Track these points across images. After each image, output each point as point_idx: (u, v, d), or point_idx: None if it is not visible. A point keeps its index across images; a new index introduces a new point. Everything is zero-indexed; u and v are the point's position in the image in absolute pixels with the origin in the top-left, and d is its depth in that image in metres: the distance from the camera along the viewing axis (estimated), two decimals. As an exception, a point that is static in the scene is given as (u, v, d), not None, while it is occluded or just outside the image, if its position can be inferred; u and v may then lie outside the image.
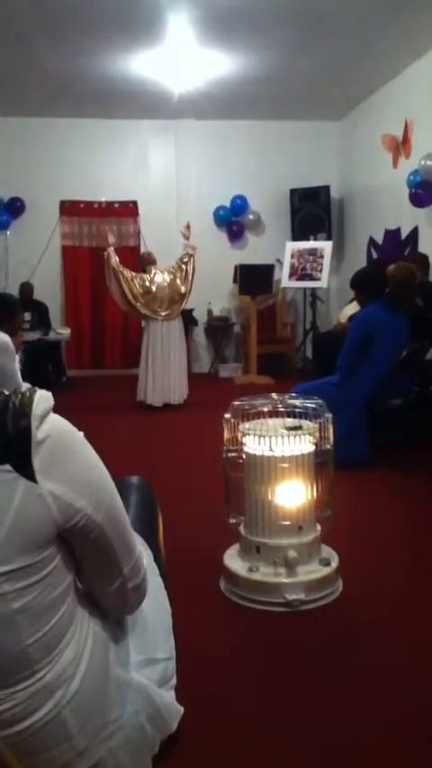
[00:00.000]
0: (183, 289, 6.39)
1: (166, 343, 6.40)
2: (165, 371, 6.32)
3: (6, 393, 1.13)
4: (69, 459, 1.16)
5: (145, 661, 1.45)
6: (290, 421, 2.55)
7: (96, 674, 1.27)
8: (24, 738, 1.16)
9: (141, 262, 6.86)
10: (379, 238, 7.53)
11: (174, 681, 1.55)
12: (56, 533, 1.15)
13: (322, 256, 7.97)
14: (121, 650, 1.41)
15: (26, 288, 7.87)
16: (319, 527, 2.57)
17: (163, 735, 1.46)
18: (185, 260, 6.41)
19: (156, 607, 1.57)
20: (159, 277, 6.37)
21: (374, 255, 7.67)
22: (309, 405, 2.58)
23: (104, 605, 1.35)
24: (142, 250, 8.67)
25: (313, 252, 8.06)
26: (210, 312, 8.84)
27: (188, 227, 6.49)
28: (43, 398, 1.14)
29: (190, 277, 6.41)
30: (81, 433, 1.22)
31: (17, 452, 1.09)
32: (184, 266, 6.40)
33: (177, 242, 6.74)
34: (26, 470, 1.09)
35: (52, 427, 1.14)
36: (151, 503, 1.91)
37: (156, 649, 1.50)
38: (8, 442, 1.08)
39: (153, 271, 6.40)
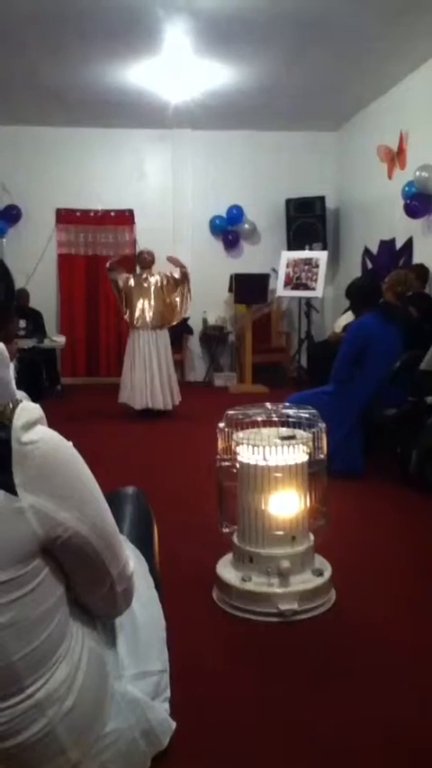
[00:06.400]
0: (178, 303, 6.40)
1: (151, 350, 6.37)
2: (148, 377, 6.29)
3: None
4: (55, 472, 1.13)
5: (139, 674, 1.44)
6: (284, 430, 2.55)
7: (91, 690, 1.26)
8: (16, 754, 1.15)
9: (138, 261, 6.64)
10: (374, 249, 7.56)
11: (167, 693, 1.54)
12: (39, 547, 1.13)
13: (317, 266, 7.99)
14: (115, 663, 1.39)
15: (22, 295, 7.85)
16: (312, 537, 2.57)
17: (155, 751, 1.45)
18: (180, 278, 6.37)
19: (150, 620, 1.55)
20: (154, 279, 6.39)
21: (369, 266, 7.70)
22: (302, 414, 2.58)
23: (93, 610, 1.34)
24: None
25: (308, 261, 8.08)
26: (205, 321, 8.85)
27: (172, 258, 6.45)
28: (26, 410, 1.12)
29: (186, 296, 6.42)
30: (70, 443, 1.19)
31: None
32: (180, 286, 6.39)
33: (173, 251, 6.73)
34: (5, 483, 1.07)
35: (40, 439, 1.12)
36: (147, 514, 1.88)
37: (149, 662, 1.49)
38: None
39: (145, 274, 6.40)
